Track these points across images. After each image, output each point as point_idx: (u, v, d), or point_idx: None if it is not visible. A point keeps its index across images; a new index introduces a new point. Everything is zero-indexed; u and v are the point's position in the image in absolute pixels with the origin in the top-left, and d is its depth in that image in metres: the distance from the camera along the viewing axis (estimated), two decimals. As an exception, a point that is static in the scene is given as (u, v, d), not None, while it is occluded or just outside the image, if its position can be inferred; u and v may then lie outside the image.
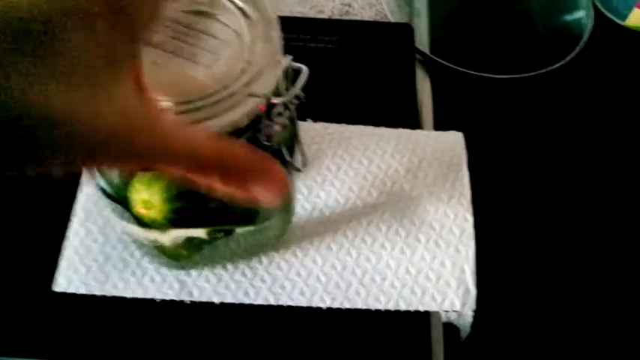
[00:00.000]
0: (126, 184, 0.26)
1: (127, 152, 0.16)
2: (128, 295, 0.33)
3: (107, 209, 0.35)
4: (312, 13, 0.50)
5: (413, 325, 0.32)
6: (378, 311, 0.32)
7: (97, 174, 0.28)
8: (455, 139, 0.39)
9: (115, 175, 0.27)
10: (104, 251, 0.34)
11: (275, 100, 0.21)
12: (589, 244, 0.38)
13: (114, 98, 0.15)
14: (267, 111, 0.22)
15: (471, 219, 0.35)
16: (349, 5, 0.51)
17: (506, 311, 0.35)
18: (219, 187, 0.18)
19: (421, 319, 0.32)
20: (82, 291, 0.33)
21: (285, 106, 0.22)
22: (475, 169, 0.38)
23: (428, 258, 0.34)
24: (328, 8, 0.50)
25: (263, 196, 0.19)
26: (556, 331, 0.35)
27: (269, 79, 0.21)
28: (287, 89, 0.23)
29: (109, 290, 0.33)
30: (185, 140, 0.17)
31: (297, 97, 0.22)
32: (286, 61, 0.21)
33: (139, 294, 0.33)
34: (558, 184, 0.41)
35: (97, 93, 0.15)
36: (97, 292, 0.33)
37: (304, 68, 0.21)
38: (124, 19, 0.16)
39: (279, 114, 0.22)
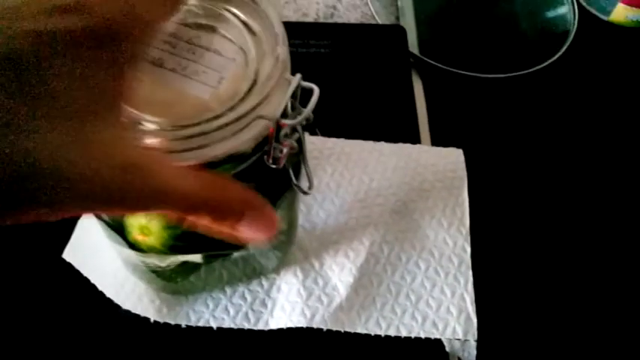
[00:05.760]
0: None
1: (121, 201, 0.15)
2: (120, 302, 0.31)
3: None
4: (296, 17, 0.48)
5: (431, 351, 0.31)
6: (378, 338, 0.31)
7: None
8: (456, 159, 0.37)
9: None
10: (102, 249, 0.32)
11: (285, 122, 0.20)
12: (581, 243, 0.38)
13: (108, 149, 0.15)
14: (276, 134, 0.20)
15: (469, 249, 0.34)
16: (334, 7, 0.50)
17: (510, 334, 0.34)
18: (210, 226, 0.18)
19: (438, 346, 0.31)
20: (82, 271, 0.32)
21: (294, 128, 0.21)
22: (469, 170, 0.37)
23: (428, 285, 0.33)
24: (313, 11, 0.49)
25: (252, 235, 0.19)
26: (562, 352, 0.34)
27: (278, 100, 0.20)
28: (294, 108, 0.22)
29: (105, 288, 0.31)
30: (180, 183, 0.17)
31: (306, 118, 0.20)
32: (296, 80, 0.20)
33: (129, 306, 0.31)
34: (550, 183, 0.41)
35: (86, 138, 0.14)
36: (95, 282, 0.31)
37: (315, 88, 0.20)
38: (108, 53, 0.15)
39: (287, 135, 0.21)
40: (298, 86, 0.20)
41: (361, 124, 0.39)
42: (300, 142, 0.22)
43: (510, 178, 0.41)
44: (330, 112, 0.39)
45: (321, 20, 0.48)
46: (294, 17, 0.48)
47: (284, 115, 0.21)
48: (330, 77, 0.41)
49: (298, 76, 0.20)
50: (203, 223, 0.18)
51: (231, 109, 0.19)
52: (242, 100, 0.19)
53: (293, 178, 0.23)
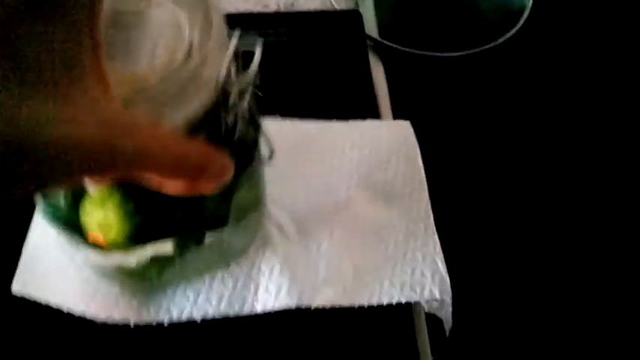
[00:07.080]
0: (74, 205, 0.24)
1: (107, 163, 0.15)
2: (91, 315, 0.29)
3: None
4: (257, 9, 0.48)
5: (397, 318, 0.31)
6: (362, 308, 0.31)
7: (40, 200, 0.25)
8: (405, 130, 0.38)
9: (60, 198, 0.24)
10: (60, 265, 0.31)
11: (230, 88, 0.20)
12: (539, 209, 0.38)
13: (90, 108, 0.15)
14: (224, 100, 0.20)
15: (431, 213, 0.35)
16: (293, -2, 0.50)
17: (486, 302, 0.35)
18: (168, 183, 0.18)
19: (404, 312, 0.32)
20: (40, 299, 0.30)
21: (241, 93, 0.20)
22: (432, 145, 0.37)
23: (401, 253, 0.33)
24: (273, 2, 0.49)
25: (207, 186, 0.19)
26: (536, 322, 0.34)
27: (218, 65, 0.19)
28: (241, 73, 0.21)
29: (73, 306, 0.30)
30: (161, 142, 0.17)
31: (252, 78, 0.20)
32: (234, 41, 0.20)
33: (104, 316, 0.30)
34: (513, 155, 0.41)
35: (67, 102, 0.14)
36: (58, 305, 0.29)
37: (258, 45, 0.19)
38: (70, 15, 0.14)
39: (236, 103, 0.21)
40: (238, 48, 0.20)
41: (321, 109, 0.39)
42: (251, 109, 0.21)
43: (475, 153, 0.41)
44: (290, 100, 0.39)
45: (282, 11, 0.48)
46: (255, 9, 0.48)
47: (228, 81, 0.20)
48: (289, 66, 0.41)
49: (236, 34, 0.19)
50: (175, 184, 0.18)
51: (167, 77, 0.19)
52: (178, 68, 0.19)
53: (253, 149, 0.23)
